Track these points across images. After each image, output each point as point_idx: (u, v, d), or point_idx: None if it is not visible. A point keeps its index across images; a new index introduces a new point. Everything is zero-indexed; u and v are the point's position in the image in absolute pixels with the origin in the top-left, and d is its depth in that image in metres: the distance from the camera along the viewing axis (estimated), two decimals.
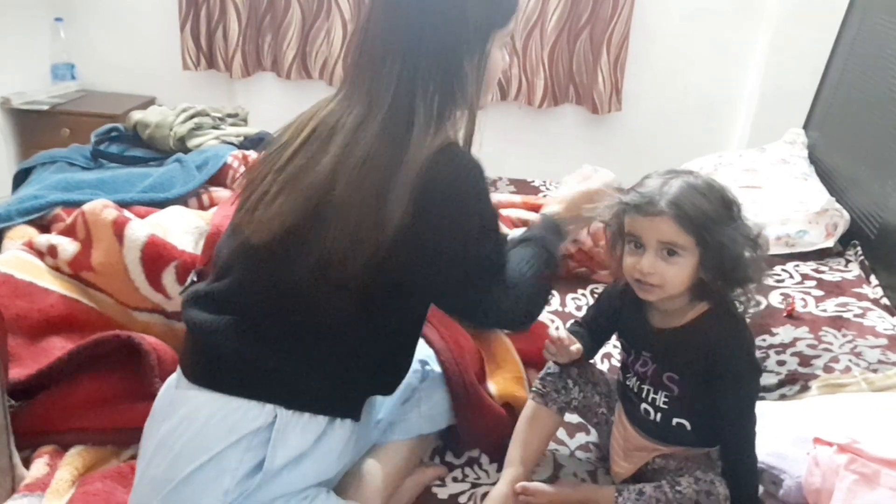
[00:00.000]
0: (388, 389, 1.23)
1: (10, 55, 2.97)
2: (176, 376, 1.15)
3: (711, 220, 1.12)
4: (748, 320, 1.58)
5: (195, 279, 1.31)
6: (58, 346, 1.42)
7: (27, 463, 1.26)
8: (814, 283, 1.80)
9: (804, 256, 1.95)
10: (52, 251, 1.58)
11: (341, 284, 1.04)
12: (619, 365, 1.38)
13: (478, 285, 1.11)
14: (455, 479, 1.34)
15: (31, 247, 1.60)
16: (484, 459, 1.38)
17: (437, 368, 1.40)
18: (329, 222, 1.03)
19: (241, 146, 2.31)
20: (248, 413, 1.06)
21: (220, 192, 2.04)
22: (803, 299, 1.72)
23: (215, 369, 1.09)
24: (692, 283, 1.17)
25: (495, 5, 1.11)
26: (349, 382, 1.13)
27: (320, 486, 1.14)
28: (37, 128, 2.99)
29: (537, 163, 3.22)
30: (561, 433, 1.44)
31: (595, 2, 2.94)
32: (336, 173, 1.04)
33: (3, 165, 2.90)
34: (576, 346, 1.28)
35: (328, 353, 1.09)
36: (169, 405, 1.11)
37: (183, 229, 1.68)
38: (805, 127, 2.60)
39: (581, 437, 1.45)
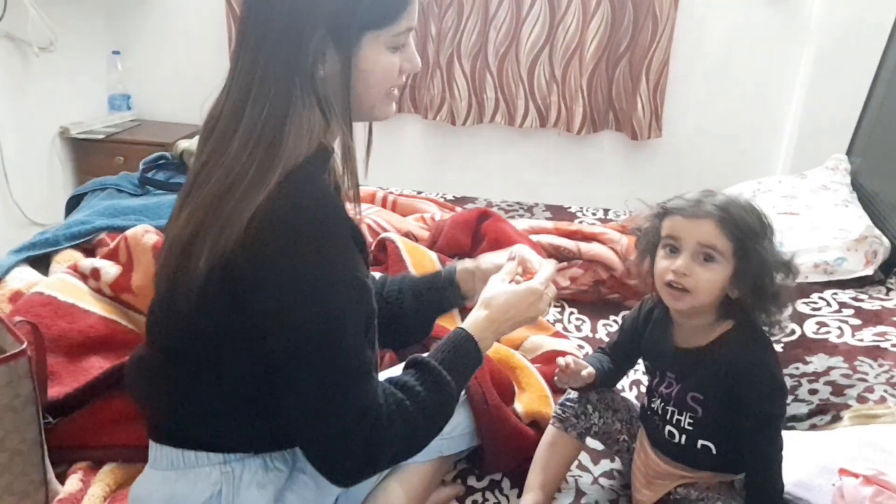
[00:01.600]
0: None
1: (70, 86, 3.13)
2: None
3: (753, 231, 1.13)
4: (780, 347, 1.57)
5: None
6: (96, 366, 1.47)
7: (62, 478, 1.31)
8: (851, 311, 1.76)
9: (843, 284, 1.91)
10: (95, 274, 1.65)
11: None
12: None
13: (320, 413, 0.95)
14: (475, 503, 1.34)
15: (75, 270, 1.68)
16: (505, 484, 1.38)
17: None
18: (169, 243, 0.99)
19: None
20: (196, 486, 1.03)
21: None
22: (839, 328, 1.68)
23: (155, 426, 1.08)
24: (720, 299, 1.17)
25: (363, 4, 0.96)
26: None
27: None
28: (92, 156, 3.12)
29: (576, 189, 3.23)
30: (585, 459, 1.44)
31: (635, 29, 2.95)
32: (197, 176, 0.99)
33: (60, 192, 3.03)
34: (587, 371, 1.28)
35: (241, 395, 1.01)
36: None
37: None
38: (848, 152, 2.56)
39: (605, 464, 1.44)
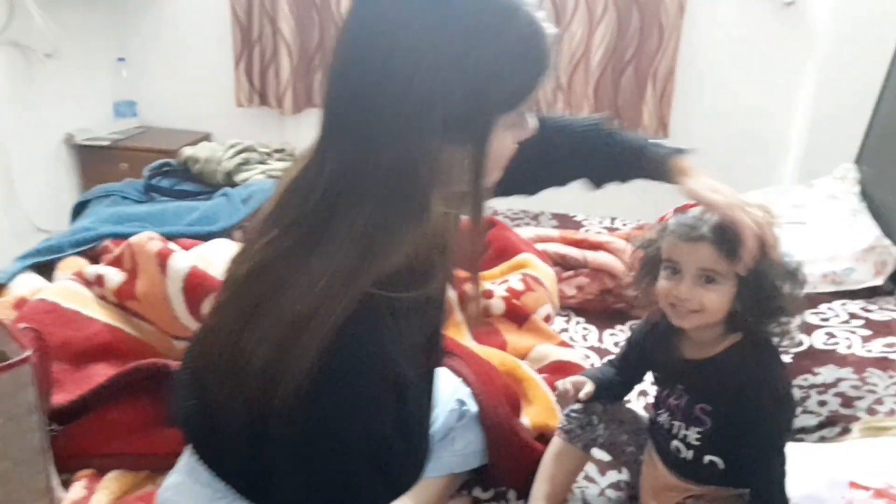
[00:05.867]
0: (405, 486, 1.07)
1: (76, 93, 3.14)
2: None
3: None
4: (788, 359, 1.55)
5: None
6: (100, 373, 1.47)
7: (67, 486, 1.30)
8: (861, 322, 1.74)
9: (852, 295, 1.89)
10: (100, 281, 1.64)
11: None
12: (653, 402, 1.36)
13: None
14: None
15: (80, 277, 1.67)
16: (511, 495, 1.37)
17: (474, 408, 1.38)
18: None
19: None
20: None
21: None
22: (848, 339, 1.66)
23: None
24: (728, 313, 1.15)
25: (501, 87, 0.83)
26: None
27: None
28: (97, 162, 3.13)
29: (582, 197, 3.19)
30: (592, 471, 1.42)
31: (641, 36, 2.95)
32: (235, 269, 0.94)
33: (65, 198, 3.04)
34: (584, 393, 1.27)
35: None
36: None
37: (224, 261, 1.72)
38: (857, 160, 2.54)
39: (612, 475, 1.43)
